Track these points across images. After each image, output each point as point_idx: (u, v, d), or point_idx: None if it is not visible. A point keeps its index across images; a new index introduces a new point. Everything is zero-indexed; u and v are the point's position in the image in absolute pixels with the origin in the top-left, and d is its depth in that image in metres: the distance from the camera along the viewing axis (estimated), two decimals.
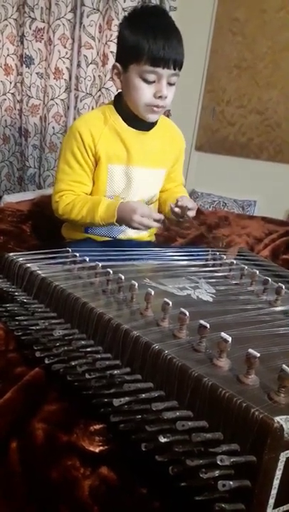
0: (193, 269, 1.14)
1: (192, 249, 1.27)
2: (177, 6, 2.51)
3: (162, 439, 0.58)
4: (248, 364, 0.63)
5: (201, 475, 0.53)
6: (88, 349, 0.78)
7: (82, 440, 0.71)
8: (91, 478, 0.65)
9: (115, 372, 0.71)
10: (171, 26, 1.20)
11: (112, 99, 1.36)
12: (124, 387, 0.67)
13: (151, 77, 1.18)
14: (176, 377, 0.65)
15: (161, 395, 0.66)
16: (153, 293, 0.82)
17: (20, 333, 0.91)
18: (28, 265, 1.00)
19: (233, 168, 2.82)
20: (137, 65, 1.17)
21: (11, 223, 1.55)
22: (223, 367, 0.67)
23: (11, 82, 2.71)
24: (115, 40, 1.48)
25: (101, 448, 0.71)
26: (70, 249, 1.09)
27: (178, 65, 1.19)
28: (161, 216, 1.22)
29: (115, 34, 2.28)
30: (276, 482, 0.55)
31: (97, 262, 1.00)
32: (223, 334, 0.66)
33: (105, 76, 2.54)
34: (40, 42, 2.60)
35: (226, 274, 1.14)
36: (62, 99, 2.64)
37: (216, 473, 0.53)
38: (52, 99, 2.64)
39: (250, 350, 0.62)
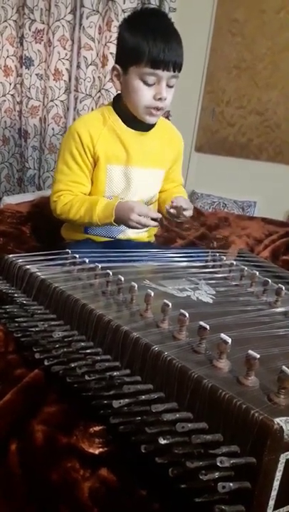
0: (193, 270, 1.14)
1: (192, 251, 1.27)
2: (177, 6, 2.51)
3: (162, 441, 0.58)
4: (248, 365, 0.63)
5: (200, 477, 0.53)
6: (88, 351, 0.78)
7: (82, 442, 0.71)
8: (91, 480, 0.65)
9: (115, 373, 0.71)
10: (171, 28, 1.20)
11: (112, 100, 1.36)
12: (124, 389, 0.67)
13: (151, 79, 1.18)
14: (176, 378, 0.65)
15: (160, 397, 0.66)
16: (153, 294, 0.82)
17: (19, 335, 0.91)
18: (28, 267, 1.00)
19: (233, 169, 2.82)
20: (137, 67, 1.17)
21: (10, 225, 1.55)
22: (223, 368, 0.67)
23: (10, 84, 2.71)
24: (115, 42, 1.49)
25: (101, 450, 0.71)
26: (69, 251, 1.09)
27: (177, 67, 1.19)
28: (158, 215, 1.22)
29: (115, 35, 2.28)
30: (276, 483, 0.55)
31: (96, 264, 1.00)
32: (222, 335, 0.66)
33: (105, 77, 2.54)
34: (40, 43, 2.60)
35: (225, 275, 1.14)
36: (61, 101, 2.64)
37: (216, 474, 0.53)
38: (52, 100, 2.64)
39: (250, 352, 0.62)
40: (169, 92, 1.22)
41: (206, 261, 1.23)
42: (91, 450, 0.70)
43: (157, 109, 1.23)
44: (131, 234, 1.38)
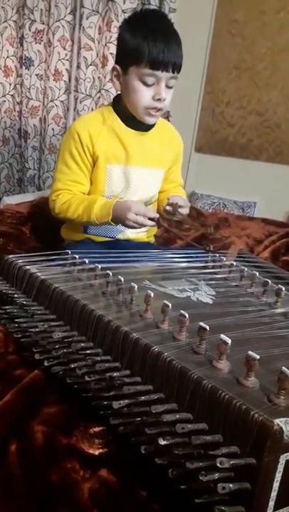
0: (192, 270, 1.14)
1: (192, 251, 1.27)
2: (177, 7, 2.51)
3: (162, 442, 0.58)
4: (248, 366, 0.63)
5: (200, 477, 0.53)
6: (88, 351, 0.78)
7: (82, 443, 0.71)
8: (91, 481, 0.65)
9: (115, 374, 0.71)
10: (171, 30, 1.21)
11: (112, 100, 1.37)
12: (124, 390, 0.67)
13: (150, 80, 1.19)
14: (176, 379, 0.65)
15: (160, 398, 0.66)
16: (152, 295, 0.82)
17: (19, 335, 0.91)
18: (28, 267, 1.00)
19: (233, 169, 2.82)
20: (137, 67, 1.18)
21: (10, 225, 1.55)
22: (222, 369, 0.67)
23: (10, 84, 2.71)
24: (115, 42, 1.49)
25: (101, 450, 0.71)
26: (69, 251, 1.09)
27: (177, 68, 1.20)
28: (156, 215, 1.22)
29: (115, 36, 2.28)
30: (276, 484, 0.55)
31: (96, 264, 1.00)
32: (222, 336, 0.66)
33: (105, 78, 2.54)
34: (40, 44, 2.60)
35: (225, 275, 1.14)
36: (61, 101, 2.65)
37: (216, 475, 0.53)
38: (51, 100, 2.64)
39: (250, 353, 0.62)
40: (168, 93, 1.23)
41: (206, 261, 1.23)
42: (91, 451, 0.70)
43: (156, 109, 1.24)
44: (130, 234, 1.38)
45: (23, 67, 2.63)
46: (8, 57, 2.66)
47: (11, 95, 2.74)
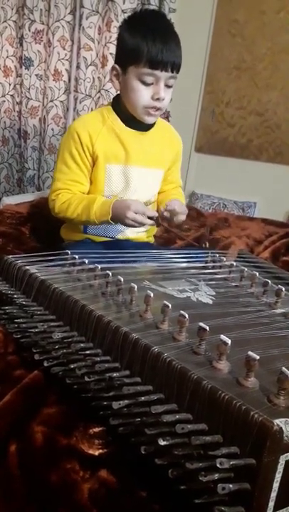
0: (192, 271, 1.14)
1: (192, 251, 1.27)
2: (177, 7, 2.51)
3: (162, 442, 0.58)
4: (248, 366, 0.63)
5: (200, 478, 0.53)
6: (87, 352, 0.78)
7: (82, 443, 0.71)
8: (90, 482, 0.65)
9: (114, 374, 0.71)
10: (170, 30, 1.22)
11: (112, 100, 1.37)
12: (124, 390, 0.66)
13: (149, 79, 1.19)
14: (176, 379, 0.65)
15: (160, 398, 0.66)
16: (152, 295, 0.82)
17: (19, 336, 0.90)
18: (27, 267, 1.00)
19: (233, 169, 2.82)
20: (136, 67, 1.18)
21: (10, 225, 1.55)
22: (222, 369, 0.66)
23: (10, 84, 2.72)
24: (115, 42, 1.49)
25: (100, 451, 0.71)
26: (69, 252, 1.09)
27: (176, 67, 1.20)
28: (155, 214, 1.22)
29: (114, 36, 2.28)
30: (276, 485, 0.55)
31: (96, 264, 1.00)
32: (222, 337, 0.66)
33: (104, 78, 2.54)
34: (40, 44, 2.60)
35: (225, 276, 1.14)
36: (61, 101, 2.65)
37: (216, 476, 0.53)
38: (51, 100, 2.64)
39: (250, 353, 0.62)
40: (167, 93, 1.23)
41: (206, 262, 1.23)
42: (91, 451, 0.70)
43: (155, 109, 1.24)
44: (130, 234, 1.38)
45: (23, 67, 2.63)
46: (7, 57, 2.66)
47: (11, 95, 2.74)
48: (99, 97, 2.60)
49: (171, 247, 1.58)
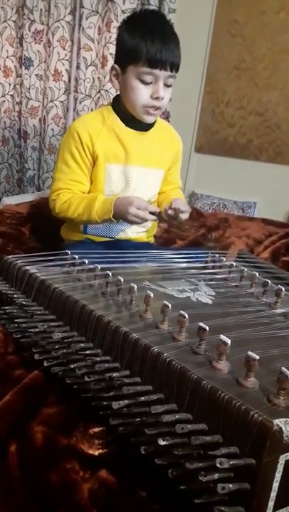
0: (192, 271, 1.14)
1: (192, 251, 1.27)
2: (176, 7, 2.51)
3: (162, 442, 0.58)
4: (248, 366, 0.63)
5: (200, 478, 0.53)
6: (87, 352, 0.78)
7: (82, 443, 0.71)
8: (90, 482, 0.65)
9: (114, 374, 0.71)
10: (169, 30, 1.22)
11: (112, 100, 1.37)
12: (124, 390, 0.67)
13: (148, 78, 1.20)
14: (176, 379, 0.65)
15: (160, 398, 0.66)
16: (152, 295, 0.82)
17: (19, 336, 0.91)
18: (27, 267, 1.00)
19: (233, 169, 2.82)
20: (135, 66, 1.19)
21: (10, 225, 1.55)
22: (222, 369, 0.66)
23: (10, 84, 2.72)
24: (114, 42, 1.49)
25: (100, 451, 0.71)
26: (69, 252, 1.09)
27: (175, 67, 1.20)
28: (156, 209, 1.22)
29: (114, 36, 2.28)
30: (275, 485, 0.55)
31: (96, 264, 1.00)
32: (222, 337, 0.66)
33: (104, 78, 2.54)
34: (40, 44, 2.60)
35: (225, 276, 1.14)
36: (61, 101, 2.65)
37: (216, 476, 0.53)
38: (51, 101, 2.64)
39: (250, 353, 0.62)
40: (166, 92, 1.23)
41: (206, 262, 1.23)
42: (91, 451, 0.70)
43: (155, 108, 1.24)
44: (130, 234, 1.39)
45: (23, 68, 2.63)
46: (7, 57, 2.66)
47: (11, 95, 2.74)
48: (99, 97, 2.60)
49: (171, 247, 1.58)
